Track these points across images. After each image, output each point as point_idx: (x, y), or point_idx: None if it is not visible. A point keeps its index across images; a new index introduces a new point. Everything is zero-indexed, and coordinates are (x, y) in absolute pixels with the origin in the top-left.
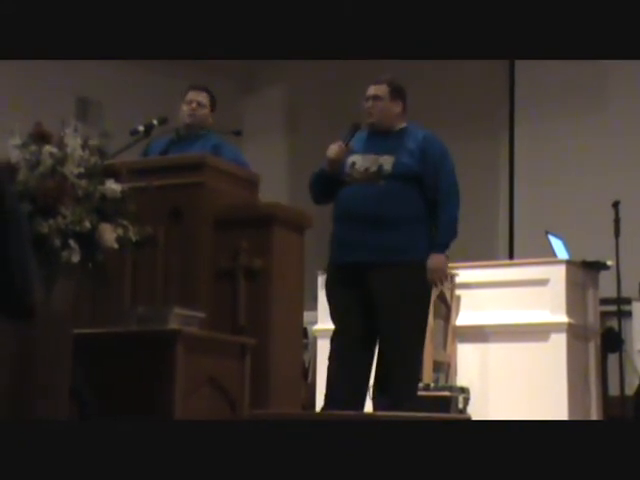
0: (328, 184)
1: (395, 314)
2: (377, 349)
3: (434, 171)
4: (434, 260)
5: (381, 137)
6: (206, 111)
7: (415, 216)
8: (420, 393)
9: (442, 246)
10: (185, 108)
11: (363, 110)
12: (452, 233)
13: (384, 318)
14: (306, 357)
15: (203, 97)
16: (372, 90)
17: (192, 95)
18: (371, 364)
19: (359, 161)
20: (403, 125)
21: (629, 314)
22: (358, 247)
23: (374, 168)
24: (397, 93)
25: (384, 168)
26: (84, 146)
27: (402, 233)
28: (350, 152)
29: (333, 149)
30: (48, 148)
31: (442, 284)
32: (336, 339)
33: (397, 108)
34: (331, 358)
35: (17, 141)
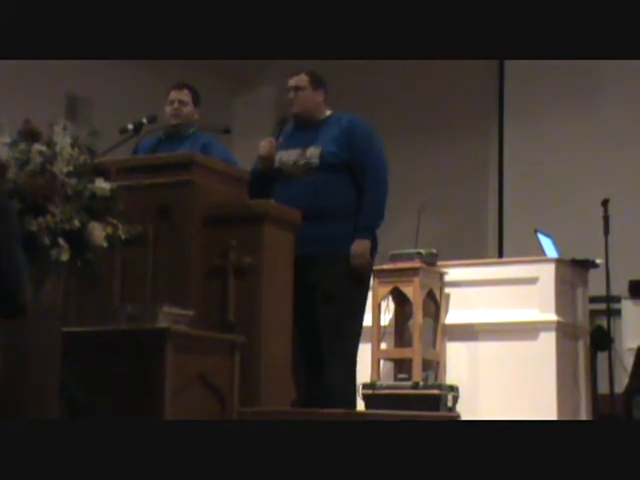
0: (264, 181)
1: (331, 306)
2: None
3: (362, 155)
4: (356, 246)
5: (306, 129)
6: (190, 108)
7: (347, 206)
8: (409, 391)
9: (365, 230)
10: (168, 109)
11: (285, 102)
12: (377, 217)
13: (322, 310)
14: None
15: (184, 95)
16: (292, 81)
17: (173, 94)
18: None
19: (286, 156)
20: (327, 113)
21: (618, 312)
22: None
23: (302, 161)
24: (317, 82)
25: (311, 160)
26: (74, 144)
27: (336, 225)
28: (280, 146)
29: (264, 146)
30: (37, 146)
31: (365, 271)
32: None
33: (319, 97)
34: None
35: (6, 139)
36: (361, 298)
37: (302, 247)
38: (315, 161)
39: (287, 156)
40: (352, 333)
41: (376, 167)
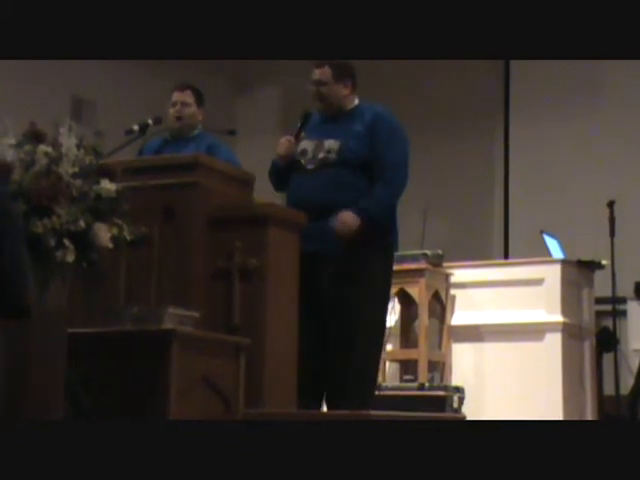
0: (284, 173)
1: (347, 305)
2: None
3: (381, 151)
4: (343, 214)
5: (331, 120)
6: (193, 109)
7: None
8: (415, 393)
9: (361, 210)
10: (171, 111)
11: (311, 95)
12: (378, 207)
13: (335, 309)
14: None
15: (187, 96)
16: (315, 75)
17: (176, 96)
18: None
19: (308, 147)
20: (354, 105)
21: (624, 313)
22: (306, 237)
23: (322, 154)
24: (341, 73)
25: (330, 154)
26: (79, 145)
27: None
28: (302, 140)
29: (282, 144)
30: (43, 148)
31: (344, 235)
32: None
33: (344, 89)
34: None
35: (12, 140)
36: (379, 295)
37: (313, 243)
38: (333, 156)
39: (309, 147)
40: (370, 333)
41: (397, 163)
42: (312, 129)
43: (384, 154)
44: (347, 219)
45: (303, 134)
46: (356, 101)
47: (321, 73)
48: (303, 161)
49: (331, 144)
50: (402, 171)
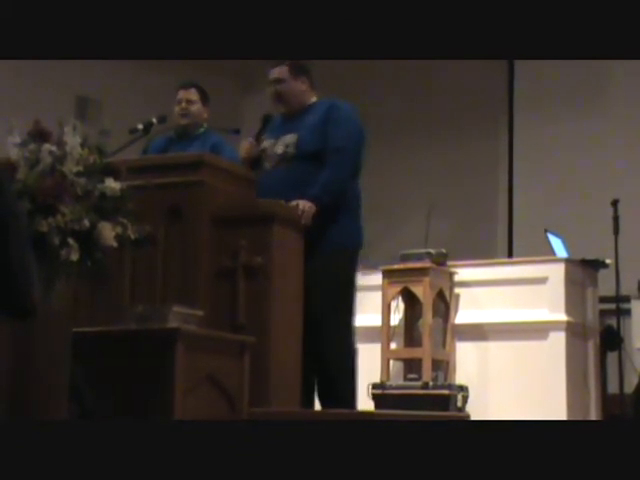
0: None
1: (315, 299)
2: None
3: (333, 136)
4: (299, 202)
5: (292, 117)
6: (198, 107)
7: None
8: (419, 391)
9: (314, 199)
10: (177, 109)
11: (268, 96)
12: (328, 193)
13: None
14: None
15: (192, 94)
16: (273, 74)
17: (181, 94)
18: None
19: (268, 146)
20: (313, 100)
21: (628, 312)
22: None
23: (280, 150)
24: (298, 70)
25: (288, 149)
26: (83, 144)
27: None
28: (263, 141)
29: (243, 147)
30: (47, 146)
31: (302, 218)
32: None
33: (302, 85)
34: None
35: (16, 139)
36: (343, 293)
37: None
38: (291, 150)
39: (269, 145)
40: (336, 332)
41: (341, 147)
42: (273, 129)
43: (332, 140)
44: (304, 207)
45: (264, 136)
46: (314, 98)
47: (279, 72)
48: (264, 160)
49: (288, 139)
50: (347, 157)
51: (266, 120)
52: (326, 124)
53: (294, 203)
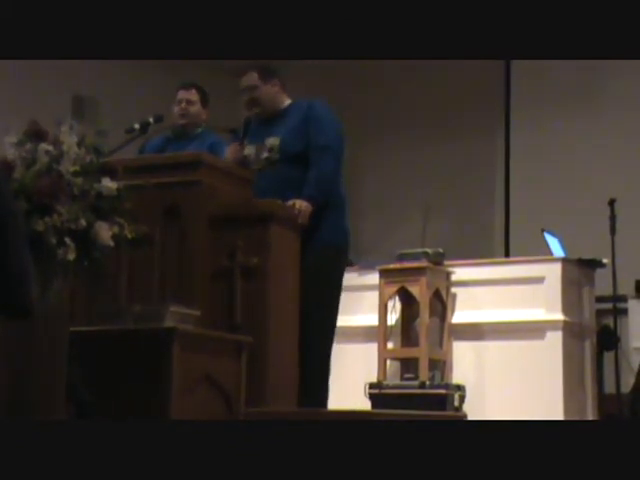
0: None
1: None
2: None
3: (315, 135)
4: (295, 201)
5: (268, 121)
6: (197, 107)
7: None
8: (416, 391)
9: (309, 198)
10: (176, 109)
11: (242, 104)
12: (322, 191)
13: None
14: None
15: (192, 94)
16: (243, 82)
17: (181, 94)
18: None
19: (251, 151)
20: (287, 102)
21: (625, 312)
22: None
23: (265, 154)
24: (268, 74)
25: (272, 152)
26: (80, 144)
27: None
28: (245, 146)
29: (230, 150)
30: (44, 146)
31: (299, 217)
32: None
33: (274, 88)
34: None
35: (13, 139)
36: (329, 295)
37: None
38: (276, 153)
39: (250, 150)
40: (319, 331)
41: (325, 145)
42: (253, 133)
43: (315, 139)
44: (300, 207)
45: (246, 141)
46: (288, 100)
47: (248, 79)
48: (249, 164)
49: (271, 142)
50: (332, 154)
51: (247, 123)
52: (307, 124)
53: (290, 202)
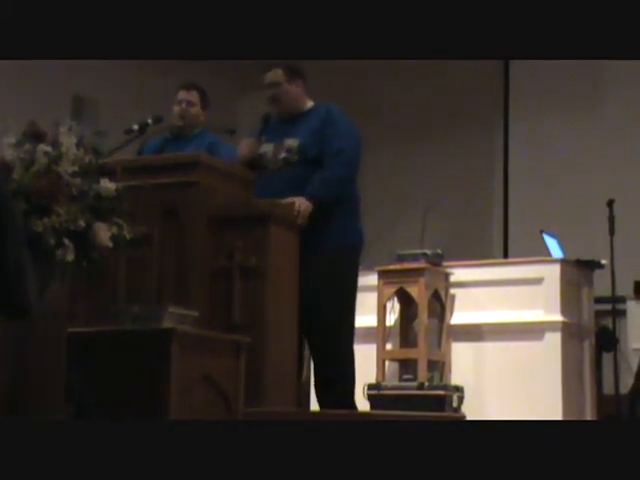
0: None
1: (317, 302)
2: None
3: (331, 139)
4: (294, 199)
5: (289, 121)
6: (197, 109)
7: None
8: (414, 392)
9: (311, 197)
10: (176, 109)
11: (266, 100)
12: (327, 190)
13: (309, 309)
14: None
15: (193, 95)
16: (268, 78)
17: (182, 95)
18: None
19: (269, 149)
20: (309, 105)
21: (623, 313)
22: None
23: (283, 154)
24: (293, 73)
25: (290, 154)
26: (79, 145)
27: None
28: (262, 143)
29: (246, 145)
30: (43, 147)
31: (297, 216)
32: None
33: (297, 88)
34: None
35: (11, 140)
36: (348, 296)
37: None
38: (294, 154)
39: (268, 148)
40: (343, 329)
41: (339, 149)
42: (271, 131)
43: (330, 143)
44: (299, 207)
45: (263, 137)
46: (311, 102)
47: (273, 75)
48: (266, 162)
49: (290, 143)
50: (345, 158)
51: (266, 120)
52: (325, 128)
53: (290, 200)
